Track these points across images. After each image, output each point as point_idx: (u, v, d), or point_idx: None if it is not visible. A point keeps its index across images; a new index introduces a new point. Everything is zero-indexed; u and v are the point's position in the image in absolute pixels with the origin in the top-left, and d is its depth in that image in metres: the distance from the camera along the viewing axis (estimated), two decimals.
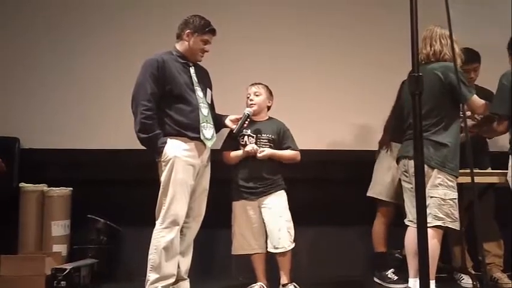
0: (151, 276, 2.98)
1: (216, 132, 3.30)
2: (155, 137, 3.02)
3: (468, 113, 3.47)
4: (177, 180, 3.01)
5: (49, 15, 4.25)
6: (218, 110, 3.42)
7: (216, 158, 3.38)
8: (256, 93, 3.46)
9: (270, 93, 3.53)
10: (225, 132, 3.48)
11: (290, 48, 4.25)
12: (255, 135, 3.43)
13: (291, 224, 3.36)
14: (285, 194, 3.43)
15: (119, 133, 4.00)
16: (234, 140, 3.45)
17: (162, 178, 3.05)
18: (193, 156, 3.09)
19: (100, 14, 4.25)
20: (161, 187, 3.05)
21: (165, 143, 3.03)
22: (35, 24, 4.23)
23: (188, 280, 3.23)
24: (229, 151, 3.45)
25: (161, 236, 2.99)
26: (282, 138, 3.46)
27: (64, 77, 4.18)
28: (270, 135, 3.43)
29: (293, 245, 3.33)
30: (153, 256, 2.98)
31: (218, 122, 3.34)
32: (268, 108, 3.55)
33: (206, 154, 3.20)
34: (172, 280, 3.03)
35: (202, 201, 3.23)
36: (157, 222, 3.02)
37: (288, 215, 3.37)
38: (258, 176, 3.37)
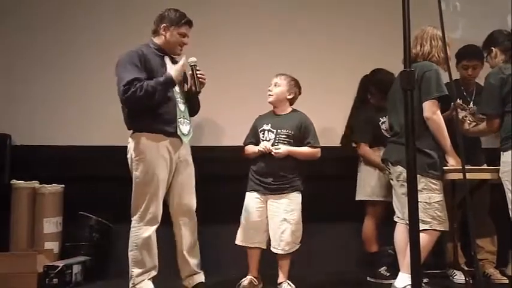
0: (134, 271, 3.02)
1: (196, 111, 3.31)
2: (156, 83, 2.95)
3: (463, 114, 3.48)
4: (150, 176, 3.01)
5: (41, 15, 4.22)
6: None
7: (209, 154, 3.37)
8: (277, 84, 3.40)
9: (295, 85, 3.43)
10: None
11: (283, 44, 4.26)
12: (274, 130, 3.36)
13: (299, 226, 3.29)
14: (298, 195, 3.34)
15: (111, 130, 3.96)
16: (255, 135, 3.42)
17: (137, 175, 3.03)
18: (168, 153, 3.07)
19: (89, 17, 4.23)
20: (136, 185, 3.04)
21: (168, 76, 3.00)
22: (29, 21, 4.19)
23: (202, 272, 3.26)
24: (249, 145, 3.42)
25: (140, 233, 3.02)
26: (303, 134, 3.36)
27: (56, 75, 4.15)
28: (289, 131, 3.34)
29: (295, 248, 3.29)
30: (134, 252, 3.02)
31: (192, 101, 3.28)
32: (290, 101, 3.45)
33: (183, 149, 3.17)
34: (155, 272, 3.08)
35: (188, 195, 3.21)
36: (134, 220, 3.04)
37: (295, 217, 3.28)
38: (272, 172, 3.30)
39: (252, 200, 3.34)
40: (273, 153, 3.27)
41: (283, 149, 3.28)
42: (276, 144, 3.33)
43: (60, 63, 4.16)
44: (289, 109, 3.45)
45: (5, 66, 4.16)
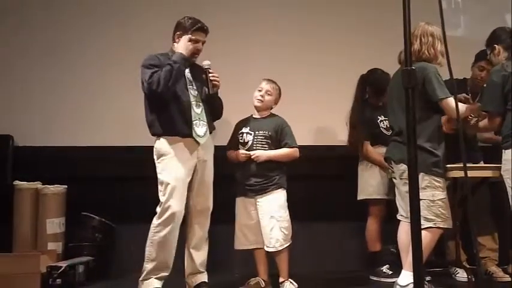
0: (147, 267, 3.07)
1: (219, 113, 3.36)
2: (169, 67, 3.02)
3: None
4: (171, 178, 3.07)
5: (42, 14, 4.24)
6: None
7: (219, 153, 3.39)
8: (269, 93, 3.46)
9: (279, 93, 3.53)
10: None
11: (283, 42, 4.28)
12: (252, 132, 3.43)
13: (286, 224, 3.33)
14: (282, 192, 3.39)
15: (114, 130, 4.00)
16: (235, 139, 3.47)
17: (159, 177, 3.11)
18: (187, 154, 3.13)
19: (92, 16, 4.24)
20: (159, 185, 3.11)
21: (176, 56, 3.06)
22: (31, 22, 4.21)
23: (205, 273, 3.27)
24: (232, 150, 3.46)
25: (157, 231, 3.06)
26: (280, 135, 3.43)
27: (57, 75, 4.16)
28: (267, 132, 3.41)
29: (286, 244, 3.31)
30: (149, 249, 3.08)
31: (212, 103, 3.32)
32: (271, 107, 3.55)
33: (201, 150, 3.20)
34: (167, 272, 3.10)
35: (206, 195, 3.25)
36: (155, 218, 3.09)
37: (282, 214, 3.33)
38: (255, 173, 3.36)
39: (241, 204, 3.41)
40: (252, 157, 3.34)
41: (262, 154, 3.35)
42: (254, 145, 3.39)
43: (61, 64, 4.17)
44: (268, 113, 3.52)
45: (7, 67, 4.18)
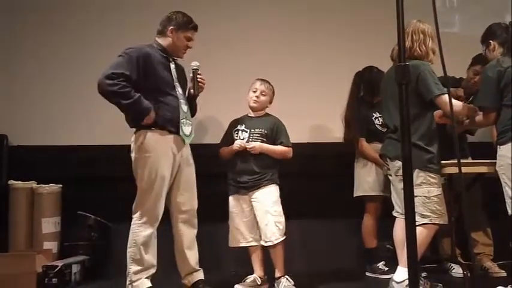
0: (132, 268, 3.02)
1: (195, 113, 3.32)
2: (139, 99, 2.94)
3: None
4: (155, 175, 3.01)
5: (38, 13, 4.24)
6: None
7: (213, 152, 3.37)
8: (264, 93, 3.48)
9: (273, 93, 3.55)
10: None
11: (280, 40, 4.29)
12: (248, 130, 3.45)
13: (281, 218, 3.35)
14: (275, 188, 3.42)
15: (109, 129, 3.98)
16: (229, 136, 3.48)
17: (141, 173, 3.02)
18: (172, 151, 3.09)
19: (88, 15, 4.25)
20: (140, 183, 3.03)
21: (151, 107, 2.98)
22: (23, 22, 4.21)
23: (201, 270, 3.26)
24: (224, 147, 3.47)
25: (140, 231, 3.02)
26: (275, 134, 3.46)
27: (52, 75, 4.16)
28: (263, 130, 3.44)
29: (282, 239, 3.33)
30: (132, 250, 3.02)
31: (191, 103, 3.29)
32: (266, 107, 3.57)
33: (186, 149, 3.19)
34: (153, 270, 3.08)
35: (190, 194, 3.22)
36: (135, 217, 3.04)
37: (276, 208, 3.35)
38: (249, 170, 3.38)
39: (235, 202, 3.43)
40: (247, 148, 3.35)
41: (258, 145, 3.37)
42: (250, 142, 3.40)
43: (57, 63, 4.17)
44: (263, 112, 3.55)
45: (2, 66, 4.16)
